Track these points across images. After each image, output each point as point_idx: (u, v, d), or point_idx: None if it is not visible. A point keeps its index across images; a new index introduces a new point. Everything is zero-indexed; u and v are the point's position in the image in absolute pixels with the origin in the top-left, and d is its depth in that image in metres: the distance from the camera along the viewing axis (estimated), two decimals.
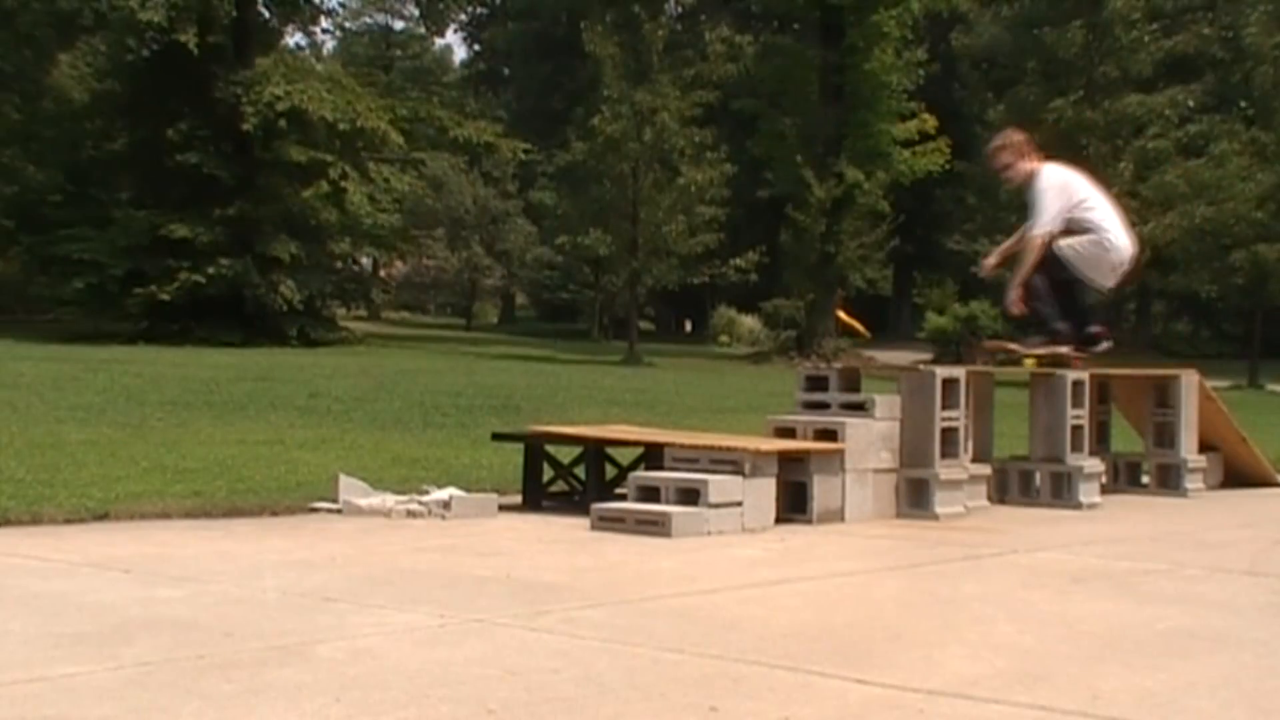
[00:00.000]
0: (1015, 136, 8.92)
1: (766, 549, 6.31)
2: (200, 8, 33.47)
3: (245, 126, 32.57)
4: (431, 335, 43.32)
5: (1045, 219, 8.45)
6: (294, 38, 43.49)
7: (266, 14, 38.49)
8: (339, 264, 39.62)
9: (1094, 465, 8.62)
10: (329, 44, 64.72)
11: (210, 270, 32.51)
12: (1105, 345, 8.87)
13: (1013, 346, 8.96)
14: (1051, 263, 8.46)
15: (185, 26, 32.50)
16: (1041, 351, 8.62)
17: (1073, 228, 8.46)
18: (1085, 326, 8.73)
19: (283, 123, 33.57)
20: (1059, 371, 8.55)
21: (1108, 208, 8.70)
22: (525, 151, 39.17)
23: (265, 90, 32.76)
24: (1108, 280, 8.74)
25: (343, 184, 35.10)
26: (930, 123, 37.23)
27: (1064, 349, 8.63)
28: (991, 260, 9.17)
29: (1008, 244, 9.12)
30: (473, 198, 52.88)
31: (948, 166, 37.89)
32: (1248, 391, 29.90)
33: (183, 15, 32.55)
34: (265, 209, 34.06)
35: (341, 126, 33.87)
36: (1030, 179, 8.64)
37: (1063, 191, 8.54)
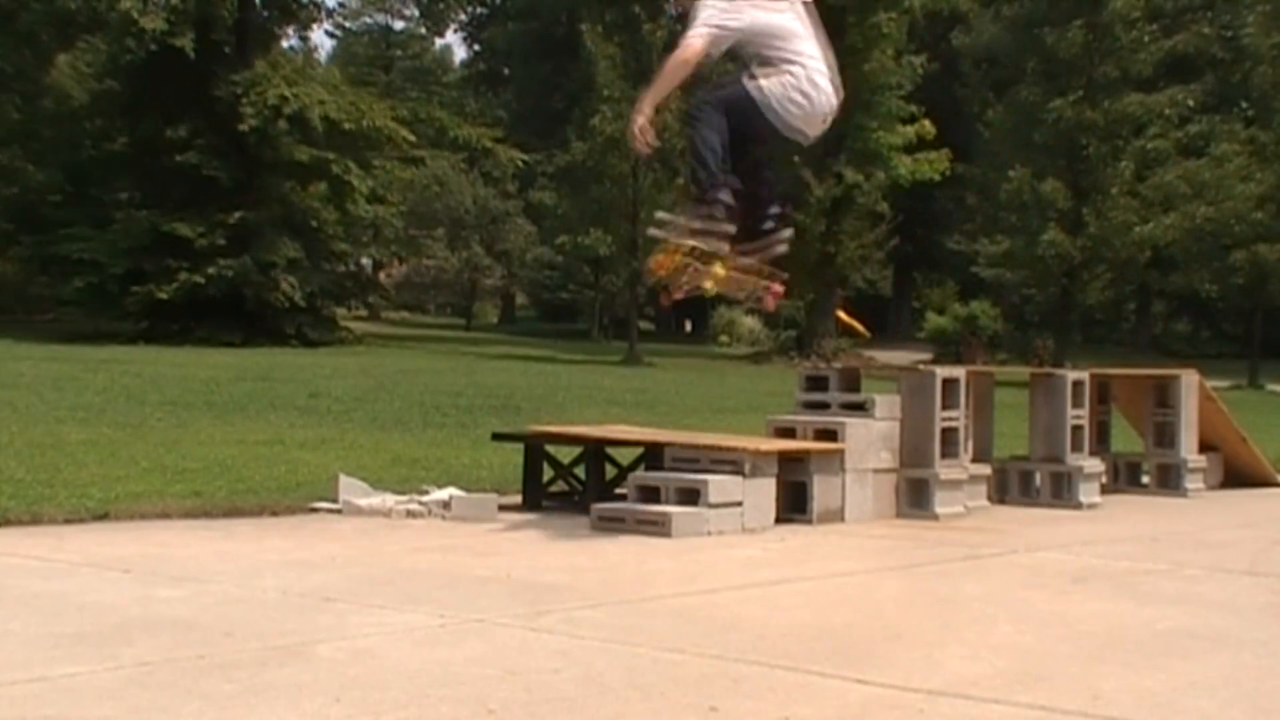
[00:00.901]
0: None
1: (766, 549, 6.31)
2: (198, 12, 33.47)
3: (242, 126, 32.57)
4: (431, 335, 43.29)
5: (702, 25, 6.20)
6: (291, 40, 43.38)
7: (265, 15, 38.47)
8: (341, 265, 39.62)
9: (1094, 465, 8.62)
10: (327, 45, 64.85)
11: (210, 270, 32.51)
12: (786, 235, 6.70)
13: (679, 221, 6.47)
14: (742, 108, 6.25)
15: (183, 31, 32.51)
16: (697, 229, 6.31)
17: (768, 56, 6.28)
18: (765, 211, 6.66)
19: (282, 123, 33.58)
20: (1058, 372, 8.54)
21: (812, 40, 6.43)
22: (524, 161, 39.19)
23: (269, 91, 32.78)
24: (813, 130, 6.47)
25: (346, 178, 35.08)
26: (929, 130, 37.16)
27: (724, 233, 6.34)
28: (645, 113, 6.30)
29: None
30: (473, 198, 52.85)
31: (947, 172, 37.83)
32: (1248, 391, 29.88)
33: (181, 20, 32.55)
34: (265, 209, 34.07)
35: (347, 125, 33.85)
36: None
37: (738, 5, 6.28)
